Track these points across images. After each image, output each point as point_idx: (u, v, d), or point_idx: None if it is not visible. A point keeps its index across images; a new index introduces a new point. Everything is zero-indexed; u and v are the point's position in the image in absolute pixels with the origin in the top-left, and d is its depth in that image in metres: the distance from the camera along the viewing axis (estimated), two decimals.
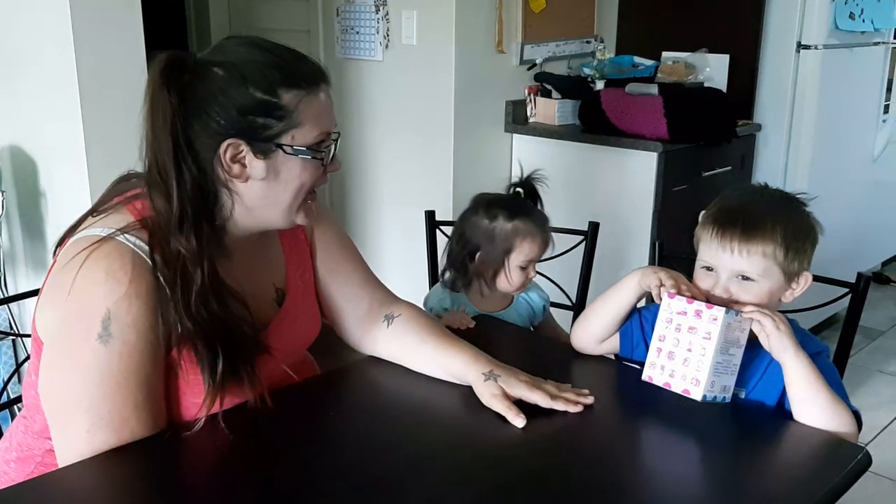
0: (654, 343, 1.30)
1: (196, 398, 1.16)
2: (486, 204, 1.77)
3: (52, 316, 1.13)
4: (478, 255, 1.75)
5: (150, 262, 1.11)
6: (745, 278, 1.28)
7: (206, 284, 1.13)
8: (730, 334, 1.23)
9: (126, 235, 1.11)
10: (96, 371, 1.09)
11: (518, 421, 1.19)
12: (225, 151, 1.14)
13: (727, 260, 1.28)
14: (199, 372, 1.14)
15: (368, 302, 1.44)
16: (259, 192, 1.18)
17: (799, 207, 1.34)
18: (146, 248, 1.12)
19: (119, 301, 1.08)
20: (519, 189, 1.82)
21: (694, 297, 1.28)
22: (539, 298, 1.87)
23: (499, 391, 1.24)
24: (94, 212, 1.19)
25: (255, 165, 1.16)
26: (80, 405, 1.10)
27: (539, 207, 1.82)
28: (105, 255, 1.10)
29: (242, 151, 1.14)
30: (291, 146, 1.15)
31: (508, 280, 1.75)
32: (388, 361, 1.41)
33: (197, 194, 1.14)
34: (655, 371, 1.30)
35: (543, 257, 1.82)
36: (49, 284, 1.15)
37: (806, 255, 1.30)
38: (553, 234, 2.16)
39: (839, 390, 1.25)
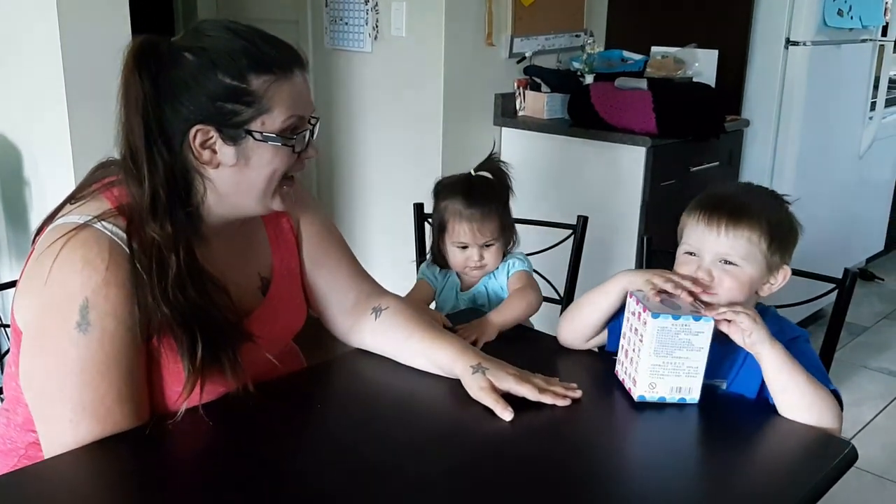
0: (620, 341, 1.33)
1: (178, 387, 1.15)
2: (441, 182, 1.79)
3: (30, 305, 1.12)
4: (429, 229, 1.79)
5: (127, 249, 1.10)
6: (728, 262, 1.28)
7: (183, 270, 1.12)
8: (668, 338, 1.22)
9: (103, 223, 1.10)
10: (76, 360, 1.08)
11: (506, 414, 1.19)
12: (194, 137, 1.13)
13: (712, 242, 1.28)
14: (180, 360, 1.13)
15: (356, 294, 1.43)
16: (230, 179, 1.17)
17: (783, 205, 1.36)
18: (123, 235, 1.10)
19: (97, 289, 1.07)
20: (480, 173, 1.76)
21: (689, 294, 1.27)
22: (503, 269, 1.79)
23: (487, 384, 1.23)
24: (72, 199, 1.18)
25: (225, 152, 1.15)
26: (61, 395, 1.09)
27: (503, 194, 1.75)
28: (82, 242, 1.08)
29: (212, 138, 1.14)
30: (261, 132, 1.14)
31: (449, 259, 1.77)
32: (375, 354, 1.41)
33: (170, 180, 1.13)
34: (620, 368, 1.33)
35: (535, 250, 1.82)
36: (26, 273, 1.14)
37: (787, 251, 1.32)
38: (541, 227, 2.16)
39: (818, 373, 1.25)
